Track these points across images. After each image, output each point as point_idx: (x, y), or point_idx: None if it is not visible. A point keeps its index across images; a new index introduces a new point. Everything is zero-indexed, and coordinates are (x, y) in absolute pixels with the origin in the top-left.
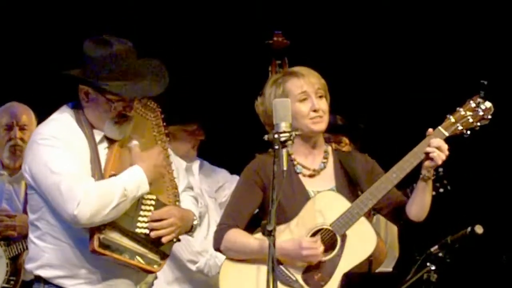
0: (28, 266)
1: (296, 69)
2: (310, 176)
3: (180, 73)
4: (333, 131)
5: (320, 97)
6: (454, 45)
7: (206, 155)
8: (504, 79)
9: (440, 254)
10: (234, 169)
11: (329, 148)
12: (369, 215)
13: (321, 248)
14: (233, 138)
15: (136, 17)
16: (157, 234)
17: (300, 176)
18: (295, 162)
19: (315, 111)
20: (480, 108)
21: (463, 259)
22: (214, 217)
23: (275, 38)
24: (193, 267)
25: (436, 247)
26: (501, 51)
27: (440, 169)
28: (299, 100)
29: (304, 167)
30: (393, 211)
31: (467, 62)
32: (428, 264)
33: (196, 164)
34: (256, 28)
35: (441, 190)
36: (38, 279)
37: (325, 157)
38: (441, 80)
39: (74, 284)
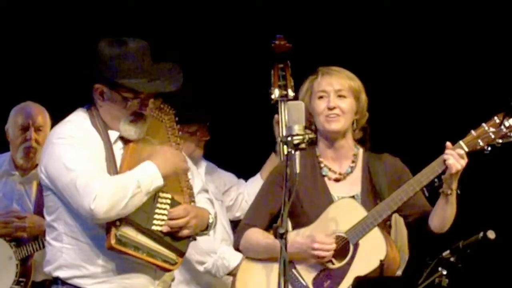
0: (46, 269)
1: (326, 67)
2: (336, 180)
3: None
4: None
5: (340, 96)
6: (491, 59)
7: (212, 158)
8: None
9: (452, 259)
10: (239, 173)
11: (360, 151)
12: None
13: (333, 246)
14: (236, 141)
15: (138, 20)
16: (173, 231)
17: (326, 179)
18: (321, 165)
19: (329, 109)
20: (504, 125)
21: (475, 264)
22: (220, 220)
23: (277, 42)
24: (201, 268)
25: (448, 252)
26: None
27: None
28: (317, 97)
29: (330, 170)
30: (417, 220)
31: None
32: (439, 268)
33: (202, 166)
34: (258, 32)
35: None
36: (56, 280)
37: (353, 161)
38: (476, 92)
39: (92, 284)
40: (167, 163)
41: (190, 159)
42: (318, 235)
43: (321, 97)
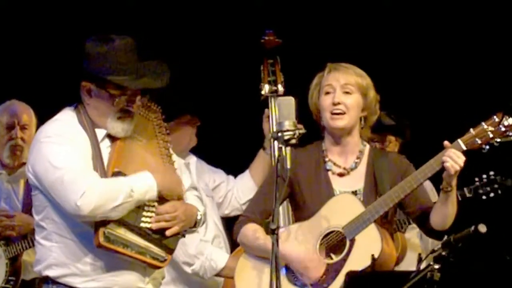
0: (36, 268)
1: (335, 63)
2: (340, 174)
3: (171, 72)
4: (378, 131)
5: (347, 93)
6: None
7: (201, 154)
8: None
9: (443, 253)
10: (228, 169)
11: (366, 148)
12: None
13: (321, 272)
14: (225, 137)
15: (129, 17)
16: (161, 227)
17: (330, 173)
18: (326, 159)
19: (334, 104)
20: (503, 124)
21: (466, 258)
22: (212, 217)
23: (266, 37)
24: (188, 270)
25: (439, 246)
26: None
27: (491, 173)
28: (324, 93)
29: (335, 164)
30: (420, 217)
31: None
32: (431, 263)
33: (192, 162)
34: (248, 28)
35: (492, 194)
36: (46, 279)
37: (358, 157)
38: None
39: (81, 282)
40: (167, 183)
41: (187, 148)
42: (309, 261)
43: (327, 93)
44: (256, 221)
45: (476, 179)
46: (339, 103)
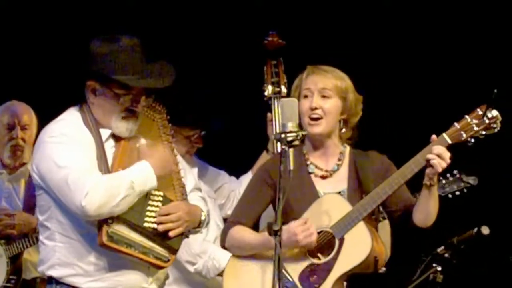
0: (40, 268)
1: (315, 66)
2: (322, 177)
3: (176, 74)
4: None
5: (324, 97)
6: (479, 50)
7: (204, 156)
8: None
9: (446, 255)
10: (231, 171)
11: (346, 149)
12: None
13: (312, 229)
14: (229, 138)
15: (132, 17)
16: (165, 228)
17: (312, 176)
18: (308, 162)
19: (311, 109)
20: (487, 116)
21: (469, 260)
22: (214, 218)
23: (270, 38)
24: (191, 269)
25: (442, 247)
26: None
27: (455, 171)
28: (303, 96)
29: (317, 167)
30: (403, 215)
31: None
32: (434, 264)
33: (195, 165)
34: (251, 29)
35: (457, 193)
36: (50, 280)
37: (340, 159)
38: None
39: (85, 282)
40: (162, 163)
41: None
42: (293, 226)
43: (305, 96)
44: (242, 225)
45: (441, 177)
46: (316, 108)
